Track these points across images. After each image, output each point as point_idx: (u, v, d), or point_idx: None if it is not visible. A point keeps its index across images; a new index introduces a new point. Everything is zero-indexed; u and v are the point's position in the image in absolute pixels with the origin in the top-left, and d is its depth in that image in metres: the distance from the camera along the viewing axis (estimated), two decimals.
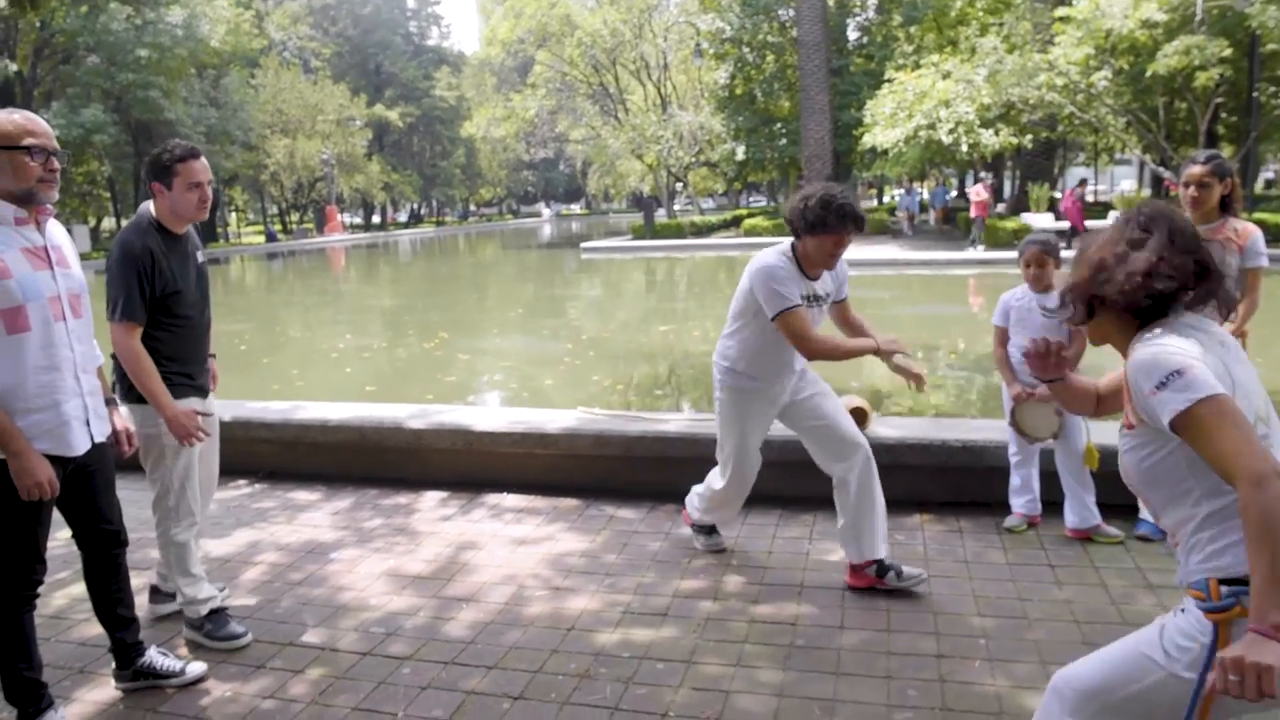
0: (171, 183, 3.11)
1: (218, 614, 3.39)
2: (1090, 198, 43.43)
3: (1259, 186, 23.42)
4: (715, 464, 3.86)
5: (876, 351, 3.34)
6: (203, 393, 3.41)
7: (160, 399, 3.10)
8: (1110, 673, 1.84)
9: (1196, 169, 3.78)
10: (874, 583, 3.53)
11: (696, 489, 4.05)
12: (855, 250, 22.86)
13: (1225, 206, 3.83)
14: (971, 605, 3.44)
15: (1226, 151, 22.08)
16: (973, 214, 23.69)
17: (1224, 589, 1.67)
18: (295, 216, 56.04)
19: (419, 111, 61.20)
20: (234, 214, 57.43)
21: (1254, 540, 1.57)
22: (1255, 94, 20.73)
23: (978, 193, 23.93)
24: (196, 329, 3.34)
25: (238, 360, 11.10)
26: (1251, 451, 1.59)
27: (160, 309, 3.16)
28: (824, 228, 3.21)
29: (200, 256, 3.37)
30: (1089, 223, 20.52)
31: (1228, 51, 19.27)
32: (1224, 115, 24.48)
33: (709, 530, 4.08)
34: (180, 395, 3.24)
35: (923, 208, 33.31)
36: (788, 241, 3.43)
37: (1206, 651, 1.67)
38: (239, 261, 35.12)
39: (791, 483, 4.35)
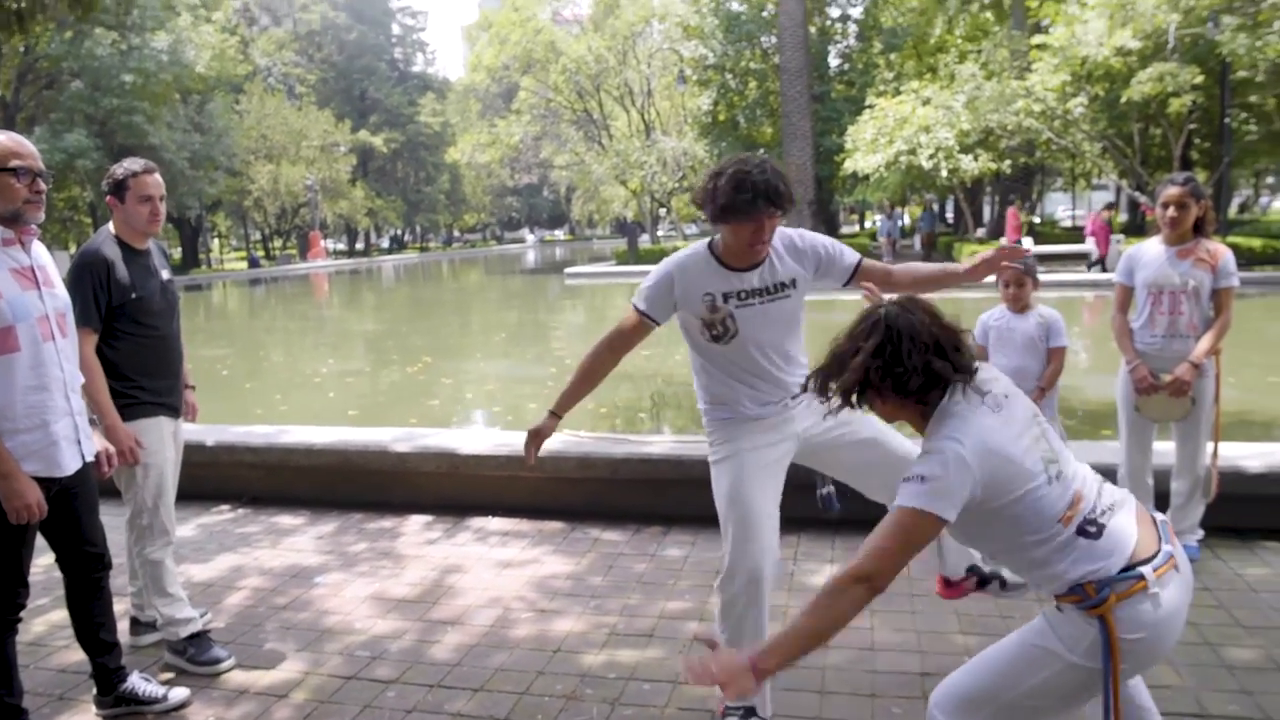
0: (124, 196, 3.21)
1: (200, 638, 3.37)
2: (1068, 222, 44.00)
3: (1232, 211, 23.78)
4: (706, 490, 2.94)
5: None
6: (173, 412, 3.41)
7: (104, 406, 3.11)
8: (1000, 675, 1.95)
9: (1174, 190, 3.86)
10: (967, 591, 3.12)
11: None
12: None
13: (1198, 228, 3.91)
14: (954, 623, 3.46)
15: (1200, 176, 22.42)
16: (1009, 238, 22.78)
17: (1095, 588, 1.85)
18: (278, 242, 55.88)
19: (403, 137, 61.35)
20: (217, 240, 57.23)
21: (815, 605, 1.83)
22: (1227, 120, 21.09)
23: (1013, 216, 23.45)
24: (164, 342, 3.34)
25: (219, 385, 11.05)
26: (887, 563, 1.83)
27: (122, 317, 3.19)
28: (735, 213, 2.56)
29: (165, 273, 3.40)
30: (1115, 240, 20.53)
31: (1200, 79, 19.63)
32: (1197, 141, 24.87)
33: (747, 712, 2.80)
34: (148, 414, 3.25)
35: (905, 233, 33.51)
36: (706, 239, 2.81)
37: (1102, 641, 1.83)
38: (221, 287, 34.98)
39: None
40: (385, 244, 73.96)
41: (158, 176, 3.30)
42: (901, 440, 2.87)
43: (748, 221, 2.58)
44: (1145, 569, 1.85)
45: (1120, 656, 1.81)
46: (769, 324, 2.76)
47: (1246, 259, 19.49)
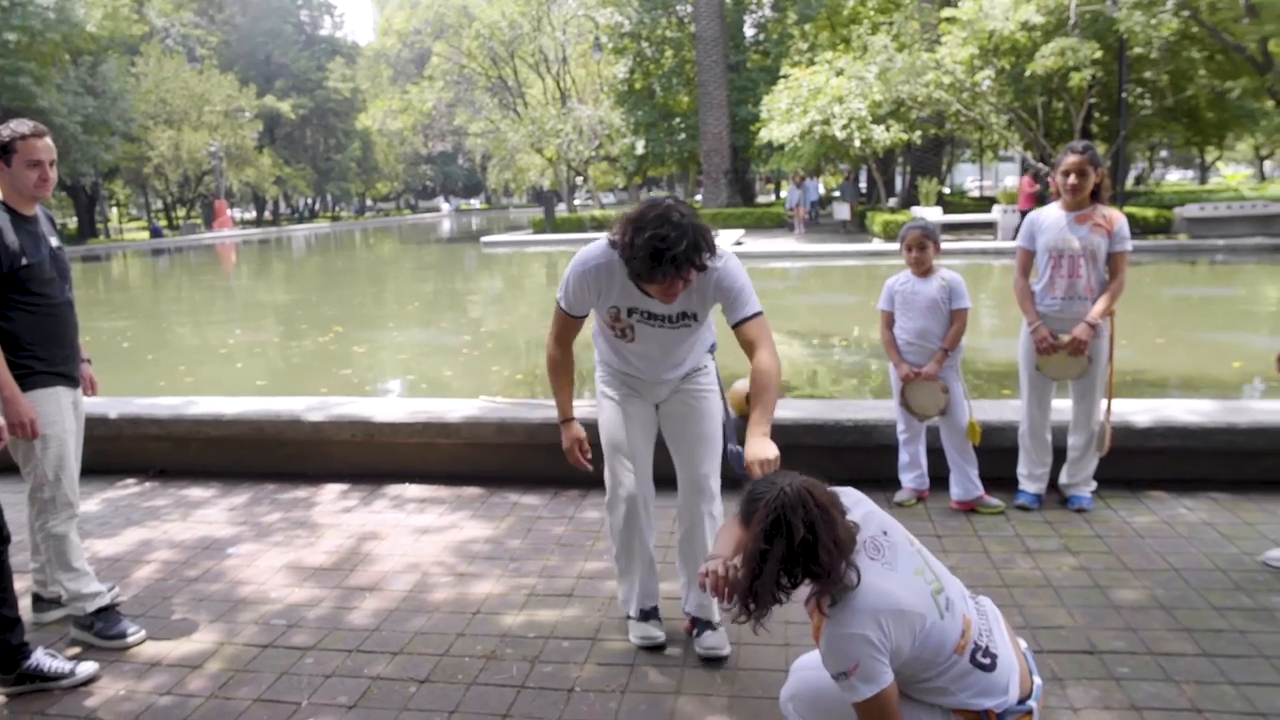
0: (10, 160, 3.08)
1: (107, 612, 3.28)
2: (976, 192, 45.23)
3: (1128, 183, 24.77)
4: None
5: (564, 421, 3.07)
6: (71, 382, 3.30)
7: (1, 379, 3.00)
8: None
9: (1074, 158, 4.01)
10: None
11: None
12: (754, 243, 23.24)
13: (1096, 195, 4.08)
14: None
15: (1100, 149, 23.26)
16: (1020, 206, 21.70)
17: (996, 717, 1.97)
18: (181, 211, 53.69)
19: (312, 103, 59.46)
20: (115, 209, 54.72)
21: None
22: (1124, 94, 21.90)
23: (1027, 184, 22.11)
24: (57, 310, 3.22)
25: (121, 358, 10.64)
26: None
27: (12, 285, 3.07)
28: (650, 278, 2.58)
29: (55, 240, 3.27)
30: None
31: (1099, 54, 20.33)
32: (1097, 115, 25.76)
33: (645, 616, 3.14)
34: (44, 384, 3.14)
35: (823, 203, 33.71)
36: None
37: None
38: (121, 258, 33.53)
39: None
40: (295, 213, 71.84)
41: (48, 140, 3.16)
42: (713, 451, 3.07)
43: (662, 284, 2.61)
44: (1033, 703, 2.01)
45: None
46: (666, 341, 2.93)
47: (1141, 228, 20.39)
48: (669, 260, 2.51)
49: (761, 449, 2.52)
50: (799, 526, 1.87)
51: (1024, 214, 20.97)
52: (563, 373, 3.08)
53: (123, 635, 3.25)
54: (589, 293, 2.86)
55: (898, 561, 1.96)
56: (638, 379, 3.08)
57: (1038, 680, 2.05)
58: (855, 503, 2.07)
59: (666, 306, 2.81)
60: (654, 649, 3.07)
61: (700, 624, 3.08)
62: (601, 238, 2.85)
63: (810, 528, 1.88)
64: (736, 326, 2.81)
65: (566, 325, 2.98)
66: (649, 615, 3.14)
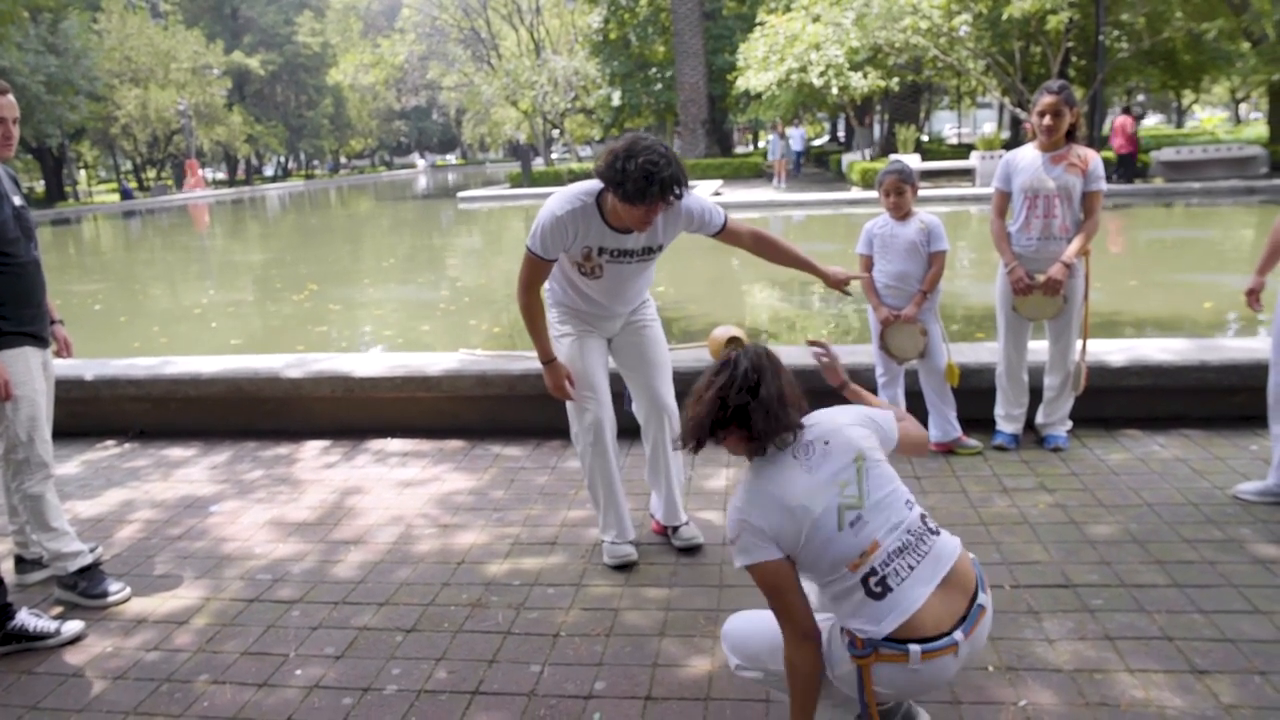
0: None
1: (91, 571, 3.28)
2: (954, 139, 45.09)
3: (1105, 128, 24.73)
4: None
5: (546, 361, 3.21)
6: (40, 342, 3.25)
7: None
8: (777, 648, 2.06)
9: (1049, 98, 4.00)
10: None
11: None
12: (733, 194, 23.14)
13: (1070, 134, 4.08)
14: None
15: (1077, 94, 23.18)
16: (1121, 149, 20.38)
17: (862, 643, 1.95)
18: (152, 172, 52.83)
19: (281, 59, 58.32)
20: (84, 171, 53.70)
21: (790, 689, 2.01)
22: (1101, 37, 21.80)
23: (1129, 124, 20.32)
24: (24, 269, 3.15)
25: (93, 320, 10.53)
26: (783, 613, 1.98)
27: None
28: (642, 200, 2.78)
29: (17, 199, 3.19)
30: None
31: None
32: (1074, 59, 25.65)
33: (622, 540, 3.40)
34: (12, 344, 3.09)
35: (808, 154, 33.31)
36: (596, 185, 2.97)
37: (857, 681, 1.97)
38: (92, 221, 33.01)
39: None
40: (269, 172, 70.78)
41: (10, 98, 3.07)
42: (667, 372, 3.41)
43: (649, 206, 2.82)
44: (914, 648, 1.88)
45: (873, 696, 1.95)
46: (631, 276, 3.18)
47: (1116, 173, 20.40)
48: (658, 182, 2.74)
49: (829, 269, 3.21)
50: (747, 369, 2.04)
51: (1124, 158, 20.29)
52: (538, 316, 3.20)
53: (105, 594, 3.25)
54: (565, 237, 3.01)
55: (821, 468, 2.00)
56: (593, 314, 3.29)
57: (958, 635, 1.92)
58: (813, 420, 2.11)
59: (634, 242, 3.06)
60: (627, 566, 3.33)
61: (673, 527, 3.47)
62: (568, 186, 3.06)
63: (759, 372, 2.03)
64: (719, 233, 3.20)
65: (537, 270, 3.10)
66: (624, 540, 3.39)
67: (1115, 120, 20.87)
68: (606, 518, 3.39)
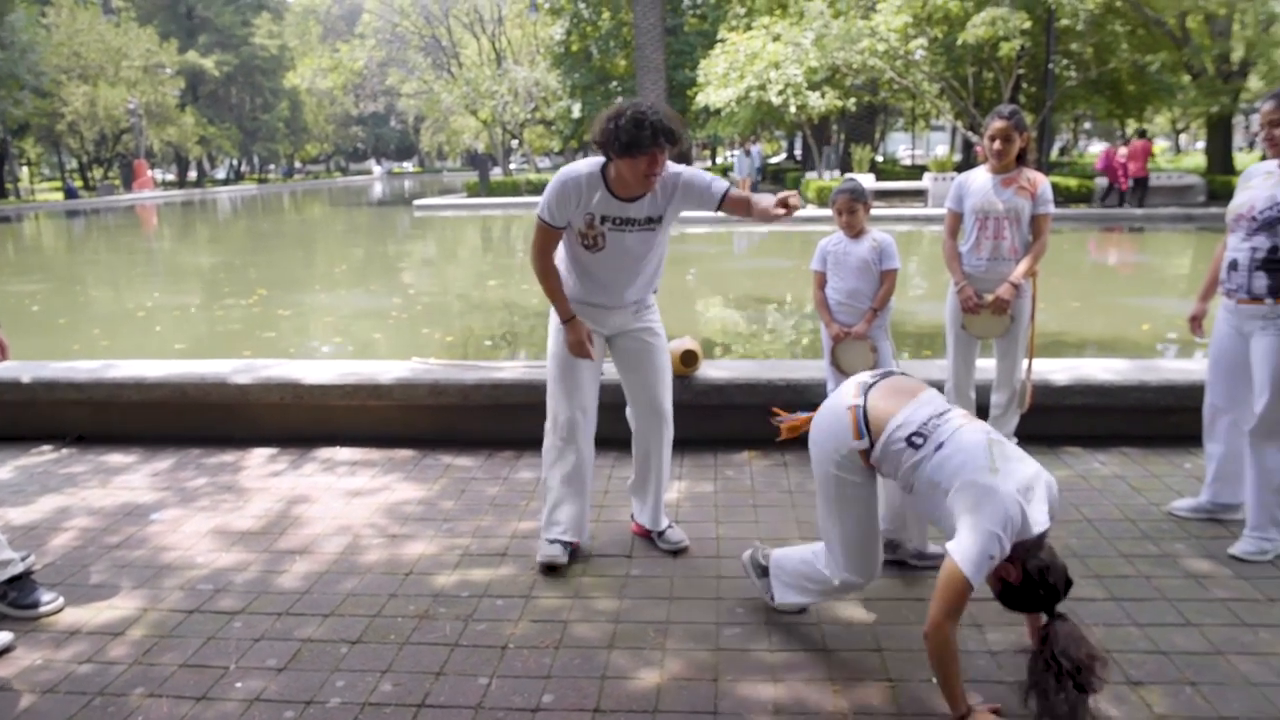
0: None
1: (22, 580, 3.18)
2: (908, 160, 45.84)
3: (1053, 154, 25.34)
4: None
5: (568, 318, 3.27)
6: None
7: None
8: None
9: (1000, 123, 4.09)
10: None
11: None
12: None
13: (1020, 158, 4.17)
14: (795, 530, 3.67)
15: (1027, 120, 23.70)
16: (1134, 173, 21.12)
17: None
18: (99, 171, 51.60)
19: (237, 60, 57.39)
20: (26, 168, 52.30)
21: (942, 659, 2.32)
22: (1051, 66, 22.36)
23: (1142, 149, 21.02)
24: None
25: (30, 321, 10.25)
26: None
27: None
28: (638, 148, 2.95)
29: None
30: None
31: (1028, 24, 20.71)
32: (1025, 85, 26.25)
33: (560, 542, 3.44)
34: None
35: (764, 172, 33.49)
36: (601, 159, 3.15)
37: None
38: (33, 219, 32.16)
39: (625, 425, 4.45)
40: (221, 174, 69.60)
41: None
42: (667, 380, 3.51)
43: (646, 155, 2.97)
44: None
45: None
46: (633, 250, 3.24)
47: (1064, 197, 20.94)
48: (649, 126, 2.92)
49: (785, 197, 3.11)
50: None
51: (1137, 181, 20.93)
52: (553, 278, 3.28)
53: (37, 604, 3.15)
54: (570, 202, 3.14)
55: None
56: (596, 307, 3.34)
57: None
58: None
59: (637, 210, 3.16)
60: (555, 569, 3.37)
61: (656, 531, 3.56)
62: (578, 162, 3.19)
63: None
64: (721, 203, 3.21)
65: (548, 237, 3.22)
66: (561, 538, 3.42)
67: (1132, 144, 21.53)
68: (557, 515, 3.42)
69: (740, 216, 3.34)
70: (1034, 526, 2.26)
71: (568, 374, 3.35)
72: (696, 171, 3.24)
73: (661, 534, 3.56)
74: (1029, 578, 2.29)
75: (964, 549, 2.22)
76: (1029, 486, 2.30)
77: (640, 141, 2.92)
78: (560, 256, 3.32)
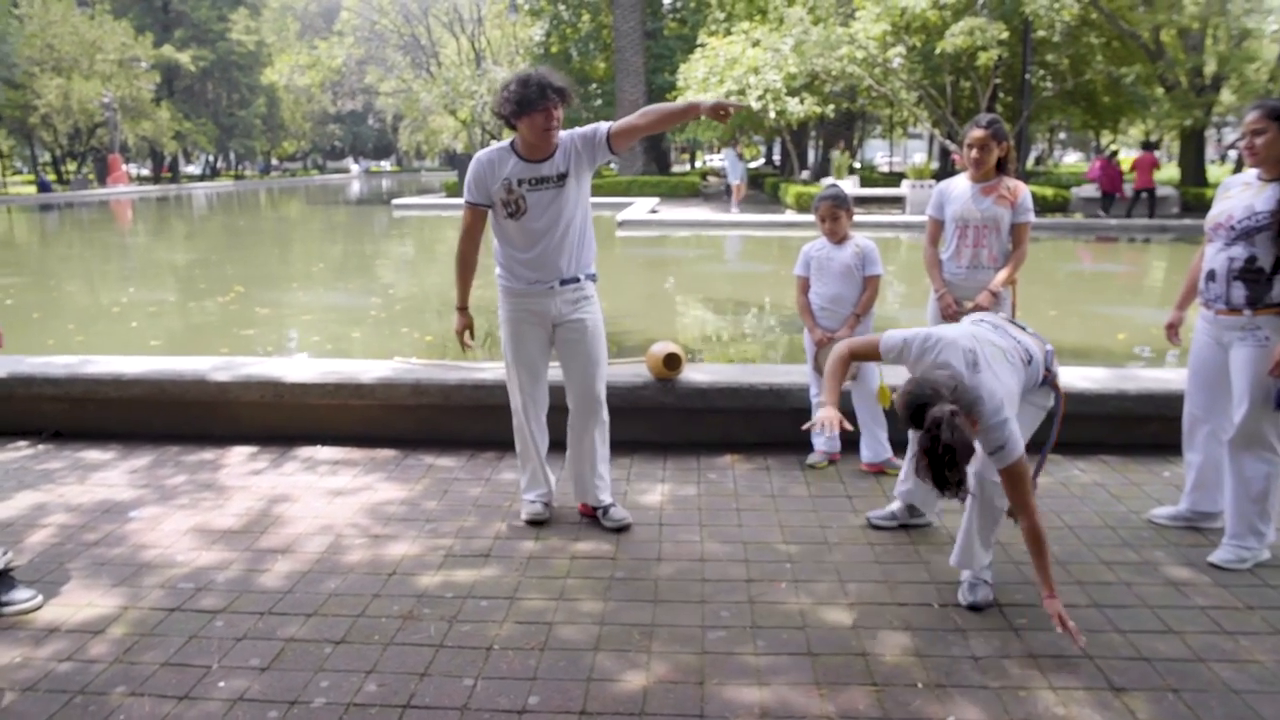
0: None
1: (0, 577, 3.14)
2: (886, 167, 46.16)
3: (1029, 163, 25.64)
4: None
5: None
6: None
7: None
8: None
9: (979, 132, 4.13)
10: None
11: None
12: (669, 212, 23.28)
13: (1000, 167, 4.21)
14: (778, 534, 3.68)
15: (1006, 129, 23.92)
16: (1138, 185, 21.28)
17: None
18: (72, 166, 50.85)
19: (214, 55, 56.77)
20: None
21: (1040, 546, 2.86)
22: (1028, 76, 22.62)
23: (1150, 161, 21.16)
24: None
25: (2, 316, 10.10)
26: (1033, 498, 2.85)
27: None
28: (530, 106, 3.29)
29: None
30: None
31: (1005, 35, 20.94)
32: (1002, 95, 26.53)
33: (536, 499, 3.88)
34: None
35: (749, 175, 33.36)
36: (510, 139, 3.53)
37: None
38: (5, 213, 31.67)
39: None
40: (196, 170, 68.84)
41: None
42: (602, 369, 3.73)
43: (538, 112, 3.32)
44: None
45: None
46: (552, 206, 3.49)
47: (1041, 207, 21.11)
48: (534, 83, 3.29)
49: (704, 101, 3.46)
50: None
51: (1141, 192, 21.14)
52: (468, 267, 3.76)
53: (14, 602, 3.11)
54: (485, 177, 3.49)
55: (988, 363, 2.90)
56: (537, 294, 3.58)
57: None
58: (943, 346, 2.88)
59: (549, 169, 3.44)
60: (540, 521, 3.79)
61: (600, 509, 3.78)
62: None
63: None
64: (610, 141, 3.46)
65: (474, 218, 3.60)
66: (539, 499, 3.83)
67: (1139, 157, 21.74)
68: (524, 478, 3.86)
69: (646, 132, 3.47)
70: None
71: (522, 360, 3.70)
72: (585, 127, 3.52)
73: (605, 511, 3.77)
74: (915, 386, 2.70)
75: (1006, 448, 2.77)
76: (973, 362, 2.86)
77: (529, 98, 3.28)
78: (497, 253, 3.64)
